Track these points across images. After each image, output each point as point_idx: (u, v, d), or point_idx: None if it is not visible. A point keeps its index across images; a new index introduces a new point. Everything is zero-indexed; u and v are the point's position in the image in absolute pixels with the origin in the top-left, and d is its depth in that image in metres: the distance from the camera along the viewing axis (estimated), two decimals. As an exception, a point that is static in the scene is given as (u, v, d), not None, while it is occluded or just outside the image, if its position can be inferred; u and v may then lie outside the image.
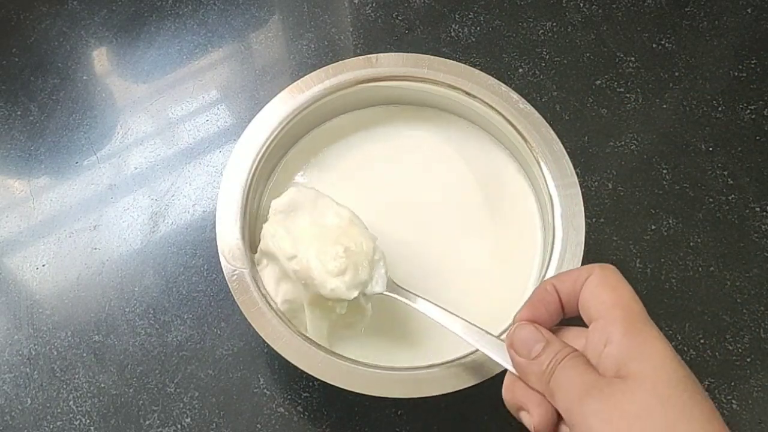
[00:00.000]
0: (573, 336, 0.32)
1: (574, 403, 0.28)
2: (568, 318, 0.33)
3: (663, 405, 0.26)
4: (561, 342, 0.31)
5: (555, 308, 0.32)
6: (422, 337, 0.44)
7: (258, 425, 0.47)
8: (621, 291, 0.30)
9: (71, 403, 0.48)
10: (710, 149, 0.57)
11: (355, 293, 0.39)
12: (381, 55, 0.49)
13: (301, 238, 0.40)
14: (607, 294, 0.30)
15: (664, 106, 0.59)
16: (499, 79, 0.48)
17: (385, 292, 0.40)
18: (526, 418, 0.31)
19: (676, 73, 0.61)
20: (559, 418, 0.30)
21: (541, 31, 0.64)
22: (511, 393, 0.32)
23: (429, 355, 0.42)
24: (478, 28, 0.64)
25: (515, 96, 0.48)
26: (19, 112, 0.61)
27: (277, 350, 0.40)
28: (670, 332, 0.50)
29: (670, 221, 0.54)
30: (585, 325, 0.31)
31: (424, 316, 0.39)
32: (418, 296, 0.39)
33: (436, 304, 0.39)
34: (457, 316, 0.37)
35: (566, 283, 0.32)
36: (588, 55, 0.62)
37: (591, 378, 0.28)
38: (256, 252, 0.44)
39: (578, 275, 0.32)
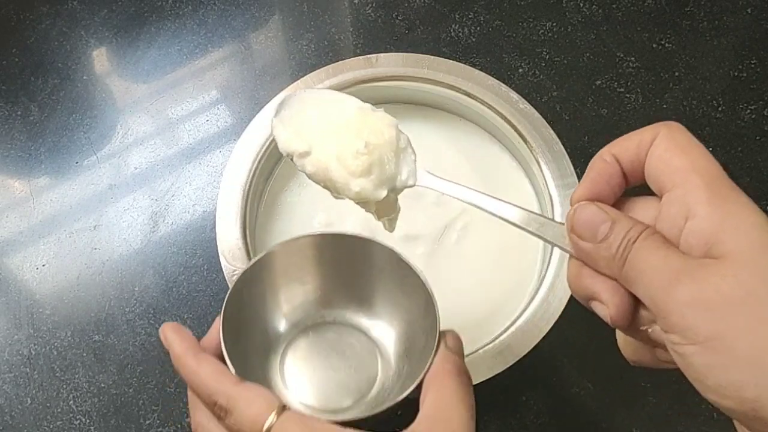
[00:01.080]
0: (641, 209, 0.27)
1: (659, 291, 0.24)
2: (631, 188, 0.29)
3: None
4: (630, 219, 0.26)
5: (618, 181, 0.27)
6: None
7: (258, 425, 0.47)
8: (695, 153, 0.25)
9: (71, 402, 0.48)
10: (710, 149, 0.57)
11: (385, 192, 0.33)
12: (381, 55, 0.49)
13: (312, 134, 0.34)
14: (679, 158, 0.25)
15: (664, 106, 0.59)
16: (499, 79, 0.48)
17: (418, 184, 0.34)
18: (599, 309, 0.26)
19: (676, 73, 0.61)
20: (637, 303, 0.26)
21: (541, 31, 0.64)
22: (578, 280, 0.27)
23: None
24: (478, 28, 0.64)
25: (515, 96, 0.48)
26: (19, 112, 0.61)
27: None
28: (670, 332, 0.50)
29: (670, 221, 0.54)
30: (652, 194, 0.27)
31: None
32: (454, 183, 0.33)
33: (476, 190, 0.32)
34: (502, 200, 0.31)
35: (629, 150, 0.27)
36: (588, 55, 0.62)
37: (676, 260, 0.24)
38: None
39: (641, 139, 0.27)
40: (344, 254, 0.36)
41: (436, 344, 0.31)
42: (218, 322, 0.32)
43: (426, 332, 0.33)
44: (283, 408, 0.28)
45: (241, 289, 0.34)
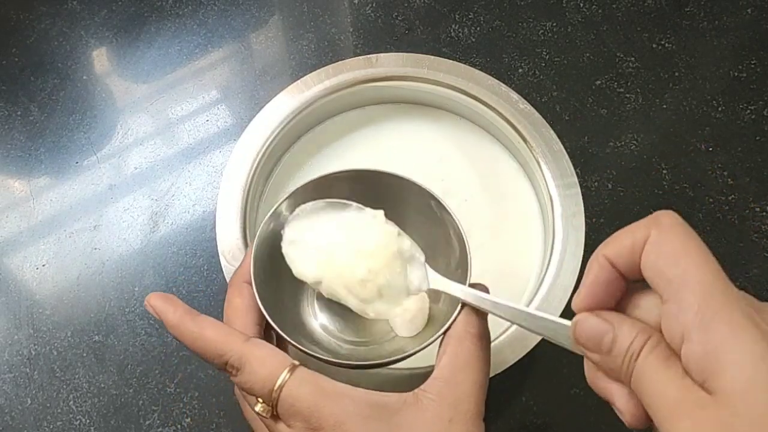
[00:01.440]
0: (647, 303, 0.26)
1: (663, 417, 0.24)
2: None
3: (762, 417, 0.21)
4: (633, 325, 0.25)
5: (617, 284, 0.27)
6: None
7: (258, 425, 0.47)
8: (687, 262, 0.24)
9: (71, 403, 0.48)
10: (710, 149, 0.57)
11: (401, 306, 0.34)
12: (381, 55, 0.49)
13: (319, 258, 0.34)
14: (670, 269, 0.24)
15: (664, 106, 0.59)
16: (499, 79, 0.48)
17: (431, 287, 0.34)
18: (617, 411, 0.27)
19: (676, 73, 0.61)
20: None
21: (541, 31, 0.64)
22: (593, 382, 0.27)
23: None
24: (478, 29, 0.64)
25: (515, 96, 0.48)
26: (19, 112, 0.61)
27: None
28: (670, 332, 0.50)
29: (670, 221, 0.53)
30: None
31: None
32: (462, 285, 0.33)
33: (488, 298, 0.32)
34: (515, 306, 0.30)
35: (622, 255, 0.26)
36: (588, 55, 0.62)
37: (677, 390, 0.23)
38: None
39: (634, 242, 0.25)
40: (381, 192, 0.34)
41: (460, 303, 0.31)
42: (250, 251, 0.32)
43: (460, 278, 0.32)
44: (294, 366, 0.28)
45: (273, 223, 0.33)
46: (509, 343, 0.40)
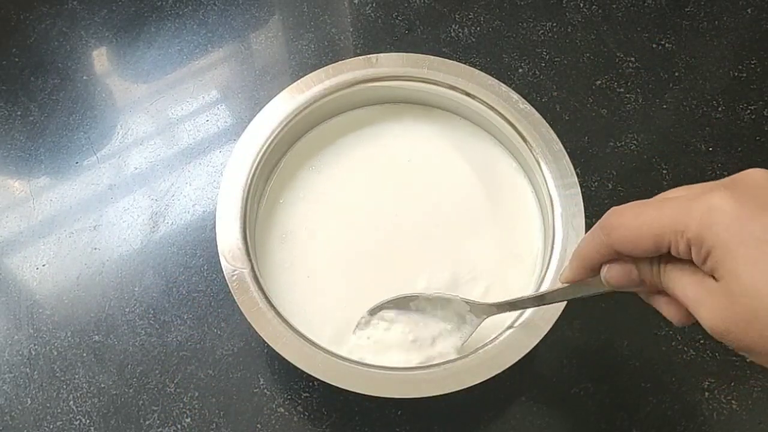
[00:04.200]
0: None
1: (691, 309, 0.28)
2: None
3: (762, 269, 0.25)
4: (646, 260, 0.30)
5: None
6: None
7: (258, 425, 0.47)
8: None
9: (71, 403, 0.48)
10: (710, 149, 0.57)
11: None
12: (381, 55, 0.49)
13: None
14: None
15: (664, 106, 0.59)
16: (499, 79, 0.48)
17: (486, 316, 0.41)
18: (665, 314, 0.32)
19: (676, 73, 0.61)
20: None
21: (541, 31, 0.64)
22: (647, 300, 0.33)
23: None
24: (478, 29, 0.64)
25: (515, 96, 0.48)
26: (19, 112, 0.61)
27: (277, 350, 0.40)
28: (670, 332, 0.50)
29: (670, 221, 0.53)
30: None
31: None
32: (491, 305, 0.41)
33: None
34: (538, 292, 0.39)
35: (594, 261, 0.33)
36: (588, 55, 0.62)
37: (692, 284, 0.28)
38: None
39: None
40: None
41: None
42: None
43: None
44: None
45: None
46: (509, 343, 0.40)
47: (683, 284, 0.28)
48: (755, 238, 0.25)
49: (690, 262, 0.28)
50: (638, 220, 0.29)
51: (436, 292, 0.43)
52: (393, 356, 0.41)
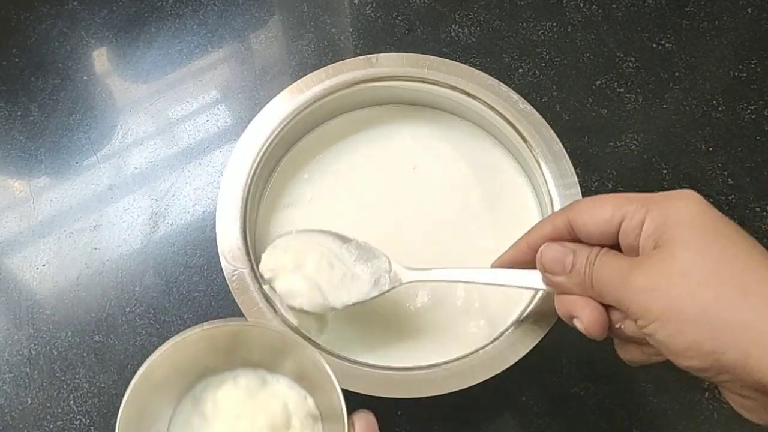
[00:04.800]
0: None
1: (620, 289, 0.29)
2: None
3: (702, 255, 0.27)
4: (585, 246, 0.32)
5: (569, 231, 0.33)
6: (424, 335, 0.44)
7: (258, 425, 0.47)
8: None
9: (71, 403, 0.48)
10: (710, 149, 0.57)
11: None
12: (381, 55, 0.49)
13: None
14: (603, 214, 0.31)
15: (664, 106, 0.59)
16: (499, 79, 0.48)
17: (403, 282, 0.39)
18: (577, 324, 0.32)
19: (676, 73, 0.61)
20: (608, 309, 0.31)
21: (541, 31, 0.64)
22: (561, 305, 0.33)
23: (429, 354, 0.42)
24: (478, 29, 0.64)
25: (515, 96, 0.48)
26: (19, 112, 0.61)
27: (277, 350, 0.40)
28: (670, 332, 0.50)
29: (670, 221, 0.54)
30: None
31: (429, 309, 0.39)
32: (432, 269, 0.39)
33: (452, 268, 0.38)
34: (476, 268, 0.37)
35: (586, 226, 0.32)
36: (588, 55, 0.62)
37: (628, 261, 0.29)
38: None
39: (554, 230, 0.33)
40: (239, 339, 0.35)
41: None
42: None
43: (337, 412, 0.32)
44: None
45: (133, 398, 0.33)
46: (509, 343, 0.40)
47: (610, 266, 0.30)
48: (706, 233, 0.27)
49: (621, 254, 0.30)
50: (602, 198, 0.31)
51: (367, 243, 0.41)
52: (292, 281, 0.39)
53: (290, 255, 0.40)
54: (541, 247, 0.33)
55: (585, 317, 0.31)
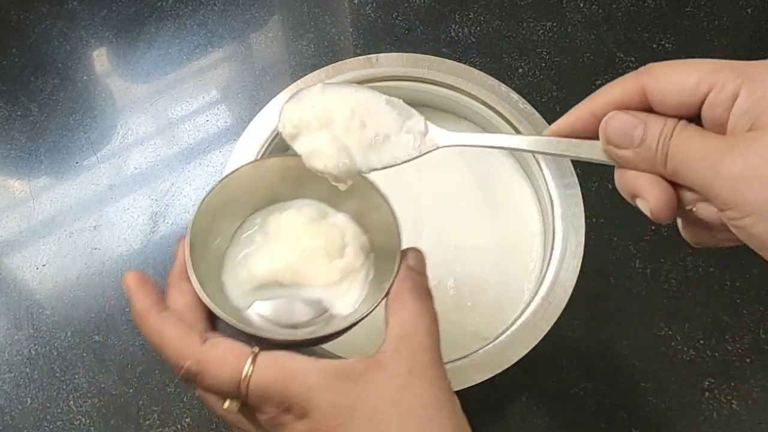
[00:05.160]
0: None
1: (707, 172, 0.24)
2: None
3: None
4: (658, 117, 0.26)
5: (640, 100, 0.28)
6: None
7: (258, 425, 0.47)
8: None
9: (71, 403, 0.48)
10: (710, 149, 0.57)
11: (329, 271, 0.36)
12: (381, 55, 0.49)
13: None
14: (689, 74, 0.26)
15: (664, 106, 0.59)
16: (499, 79, 0.48)
17: (440, 146, 0.36)
18: (641, 204, 0.27)
19: (676, 73, 0.61)
20: (678, 188, 0.27)
21: (541, 31, 0.64)
22: (622, 182, 0.28)
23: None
24: (478, 29, 0.64)
25: (515, 96, 0.48)
26: (19, 112, 0.61)
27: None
28: (670, 332, 0.50)
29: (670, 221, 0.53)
30: None
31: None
32: (474, 133, 0.35)
33: (496, 134, 0.34)
34: (523, 135, 0.32)
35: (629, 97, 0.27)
36: (588, 55, 0.62)
37: (717, 140, 0.25)
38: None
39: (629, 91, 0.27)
40: (310, 175, 0.35)
41: (397, 264, 0.32)
42: (185, 244, 0.32)
43: (391, 252, 0.33)
44: (255, 355, 0.28)
45: (208, 206, 0.35)
46: (509, 343, 0.40)
47: (695, 144, 0.25)
48: None
49: (705, 130, 0.25)
50: (685, 63, 0.26)
51: (400, 101, 0.38)
52: (317, 139, 0.36)
53: (317, 111, 0.36)
54: (606, 116, 0.28)
55: (652, 198, 0.26)
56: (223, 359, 0.28)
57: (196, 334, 0.29)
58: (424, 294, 0.31)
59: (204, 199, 0.34)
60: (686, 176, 0.25)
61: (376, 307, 0.31)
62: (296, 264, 0.35)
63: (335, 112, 0.36)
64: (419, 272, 0.32)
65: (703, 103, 0.25)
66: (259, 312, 0.35)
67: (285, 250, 0.35)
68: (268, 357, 0.28)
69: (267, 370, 0.27)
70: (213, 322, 0.31)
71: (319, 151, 0.35)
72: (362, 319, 0.31)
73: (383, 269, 0.33)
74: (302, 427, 0.27)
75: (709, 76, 0.25)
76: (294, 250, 0.35)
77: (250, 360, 0.27)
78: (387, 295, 0.31)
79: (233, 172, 0.35)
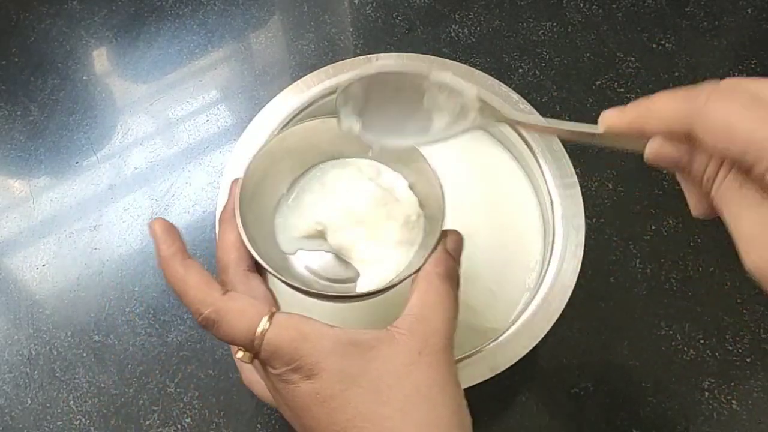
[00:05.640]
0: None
1: (745, 248, 0.23)
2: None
3: None
4: (701, 153, 0.25)
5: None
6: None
7: (258, 425, 0.47)
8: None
9: (71, 403, 0.48)
10: (710, 149, 0.57)
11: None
12: (381, 55, 0.49)
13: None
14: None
15: (664, 106, 0.59)
16: (499, 79, 0.48)
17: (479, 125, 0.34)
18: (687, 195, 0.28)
19: (676, 73, 0.61)
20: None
21: (541, 31, 0.64)
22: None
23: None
24: (478, 29, 0.64)
25: (515, 96, 0.48)
26: (19, 112, 0.61)
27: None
28: (670, 332, 0.50)
29: (670, 221, 0.54)
30: None
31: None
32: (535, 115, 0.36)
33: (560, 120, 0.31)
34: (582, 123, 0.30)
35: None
36: (588, 55, 0.62)
37: (758, 215, 0.23)
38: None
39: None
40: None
41: (436, 242, 0.32)
42: (236, 189, 0.33)
43: (433, 226, 0.34)
44: (272, 313, 0.29)
45: (269, 152, 0.35)
46: (510, 342, 0.40)
47: (739, 210, 0.23)
48: None
49: (755, 189, 0.23)
50: (749, 110, 0.22)
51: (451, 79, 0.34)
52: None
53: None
54: (649, 144, 0.28)
55: (697, 211, 0.27)
56: (241, 312, 0.29)
57: (217, 284, 0.30)
58: (453, 282, 0.32)
59: (262, 147, 0.35)
60: (729, 227, 0.24)
61: (405, 278, 0.32)
62: (343, 220, 0.36)
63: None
64: (454, 257, 0.33)
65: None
66: (306, 262, 0.36)
67: (336, 205, 0.36)
68: (284, 317, 0.29)
69: (282, 330, 0.28)
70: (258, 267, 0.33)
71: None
72: (391, 287, 0.32)
73: (426, 242, 0.34)
74: (307, 387, 0.28)
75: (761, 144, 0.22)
76: (345, 206, 0.36)
77: (266, 317, 0.28)
78: (417, 271, 0.32)
79: (296, 125, 0.36)
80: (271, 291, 0.33)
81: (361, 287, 0.35)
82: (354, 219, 0.36)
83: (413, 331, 0.29)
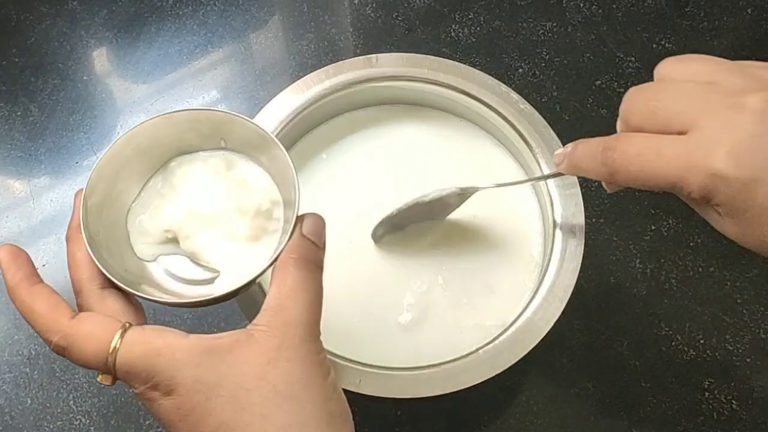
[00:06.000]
0: None
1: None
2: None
3: None
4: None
5: None
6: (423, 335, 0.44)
7: (258, 425, 0.47)
8: None
9: (71, 403, 0.48)
10: (710, 149, 0.57)
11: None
12: (381, 55, 0.49)
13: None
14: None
15: (664, 106, 0.59)
16: (499, 79, 0.48)
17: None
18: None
19: (676, 73, 0.61)
20: None
21: (541, 31, 0.64)
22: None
23: (428, 355, 0.42)
24: (478, 29, 0.64)
25: (515, 96, 0.48)
26: (19, 113, 0.61)
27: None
28: (670, 332, 0.50)
29: (670, 221, 0.54)
30: None
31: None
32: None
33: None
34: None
35: None
36: (588, 55, 0.62)
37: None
38: None
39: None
40: (210, 128, 0.35)
41: (291, 229, 0.31)
42: (79, 200, 0.31)
43: (290, 213, 0.32)
44: (124, 330, 0.28)
45: (112, 158, 0.33)
46: (509, 343, 0.40)
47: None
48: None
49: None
50: (659, 155, 0.32)
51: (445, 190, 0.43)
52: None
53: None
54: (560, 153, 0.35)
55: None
56: (89, 335, 0.28)
57: (65, 308, 0.29)
58: (311, 266, 0.30)
59: (106, 151, 0.33)
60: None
61: (261, 274, 0.30)
62: (191, 225, 0.34)
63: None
64: (312, 241, 0.31)
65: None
66: (167, 267, 0.34)
67: (182, 208, 0.34)
68: (137, 333, 0.28)
69: (133, 347, 0.27)
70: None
71: None
72: (249, 284, 0.30)
73: (287, 229, 0.32)
74: (168, 403, 0.27)
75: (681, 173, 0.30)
76: (191, 209, 0.34)
77: (118, 335, 0.27)
78: (274, 262, 0.30)
79: (140, 124, 0.34)
80: (141, 304, 0.32)
81: (219, 288, 0.33)
82: (202, 221, 0.34)
83: (272, 326, 0.28)
